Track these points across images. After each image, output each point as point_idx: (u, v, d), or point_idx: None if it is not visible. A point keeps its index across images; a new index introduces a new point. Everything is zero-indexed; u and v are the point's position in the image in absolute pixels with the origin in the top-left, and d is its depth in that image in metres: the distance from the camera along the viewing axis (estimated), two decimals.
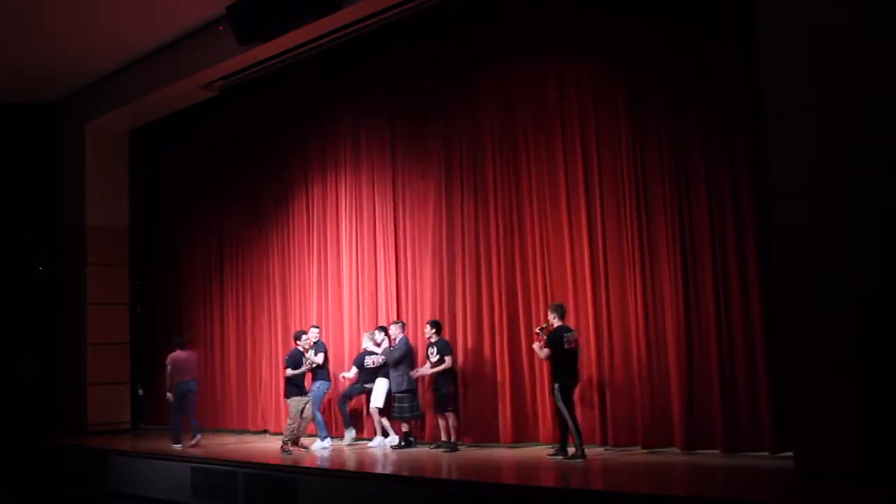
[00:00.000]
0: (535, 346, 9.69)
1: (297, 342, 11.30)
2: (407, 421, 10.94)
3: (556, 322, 9.52)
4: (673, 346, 9.21)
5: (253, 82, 13.23)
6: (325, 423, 11.47)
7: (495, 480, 8.29)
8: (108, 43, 13.15)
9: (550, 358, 9.42)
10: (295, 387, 11.03)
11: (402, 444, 10.87)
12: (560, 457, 9.23)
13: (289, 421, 10.99)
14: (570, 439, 9.30)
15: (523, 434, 10.45)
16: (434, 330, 10.69)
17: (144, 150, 15.78)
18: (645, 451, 9.38)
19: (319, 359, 11.27)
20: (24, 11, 11.98)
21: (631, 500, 7.04)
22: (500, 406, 10.59)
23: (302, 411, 11.00)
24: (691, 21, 9.31)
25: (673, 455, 9.13)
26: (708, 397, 8.97)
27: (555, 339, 9.39)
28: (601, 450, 9.71)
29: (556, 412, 9.55)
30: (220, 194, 14.66)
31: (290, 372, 11.03)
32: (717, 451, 8.88)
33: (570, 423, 9.25)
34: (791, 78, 7.26)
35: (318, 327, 11.86)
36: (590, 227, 10.02)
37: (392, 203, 12.03)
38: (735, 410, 8.79)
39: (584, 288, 10.01)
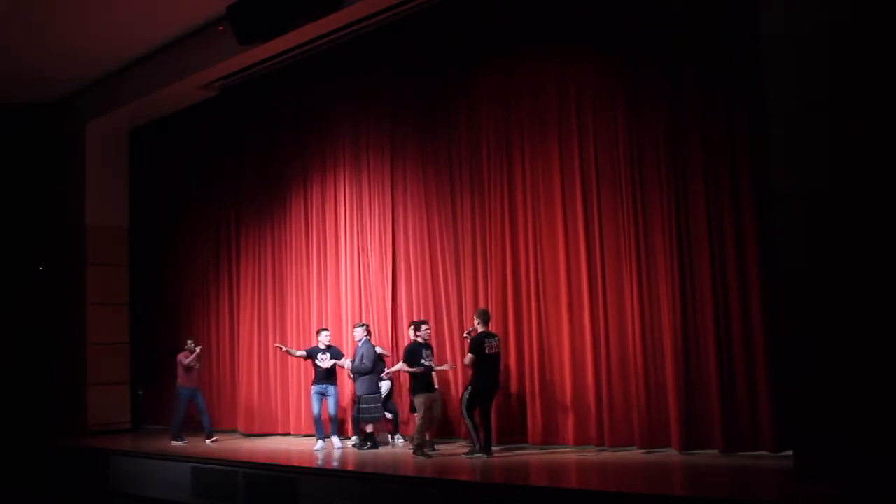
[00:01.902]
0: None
1: (418, 333, 10.29)
2: (374, 422, 10.98)
3: (480, 328, 9.70)
4: (670, 345, 9.22)
5: (253, 82, 13.23)
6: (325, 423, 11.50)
7: (494, 481, 8.29)
8: (108, 43, 13.13)
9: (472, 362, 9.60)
10: (422, 383, 10.05)
11: (369, 444, 10.87)
12: (483, 456, 9.44)
13: (419, 421, 10.01)
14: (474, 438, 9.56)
15: (513, 435, 10.42)
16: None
17: (144, 150, 15.77)
18: (642, 451, 9.39)
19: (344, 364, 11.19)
20: (25, 11, 11.97)
21: (629, 501, 7.04)
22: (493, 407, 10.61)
23: (431, 408, 10.08)
24: (691, 21, 9.31)
25: (671, 455, 9.13)
26: (706, 397, 8.98)
27: (477, 344, 9.57)
28: (594, 450, 9.71)
29: (476, 416, 9.65)
30: (219, 194, 14.65)
31: (405, 367, 10.14)
32: (715, 452, 8.88)
33: (468, 423, 9.56)
34: (791, 78, 7.26)
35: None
36: (587, 228, 10.04)
37: (391, 203, 12.03)
38: (734, 410, 8.80)
39: (581, 288, 10.02)
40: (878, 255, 6.73)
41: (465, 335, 10.14)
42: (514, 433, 10.41)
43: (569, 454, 9.68)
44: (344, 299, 12.52)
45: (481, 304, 10.80)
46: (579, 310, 10.00)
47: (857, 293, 6.78)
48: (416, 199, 11.77)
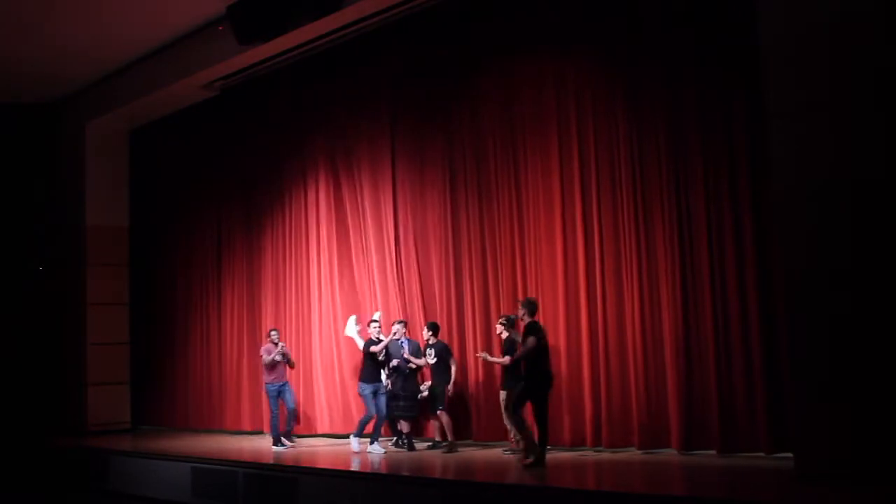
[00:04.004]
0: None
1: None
2: (412, 420, 10.95)
3: (526, 318, 8.98)
4: (670, 345, 9.20)
5: (253, 82, 13.24)
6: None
7: (494, 480, 8.29)
8: (108, 43, 13.15)
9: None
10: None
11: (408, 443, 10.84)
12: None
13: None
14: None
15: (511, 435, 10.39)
16: (431, 332, 10.68)
17: (144, 150, 15.78)
18: (641, 451, 9.39)
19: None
20: (25, 11, 11.98)
21: (628, 501, 7.04)
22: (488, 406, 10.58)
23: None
24: (690, 20, 9.30)
25: (669, 456, 9.13)
26: (705, 397, 8.97)
27: (535, 329, 8.84)
28: (591, 452, 9.69)
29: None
30: (219, 194, 14.64)
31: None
32: (713, 452, 8.88)
33: (522, 428, 8.90)
34: (791, 78, 7.27)
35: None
36: (586, 228, 10.01)
37: (392, 203, 11.99)
38: (732, 411, 8.79)
39: (580, 287, 9.99)
40: (878, 255, 6.74)
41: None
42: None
43: (567, 454, 9.67)
44: (344, 299, 12.51)
45: (485, 303, 10.81)
46: (578, 309, 9.97)
47: (858, 293, 6.79)
48: (416, 199, 11.75)
